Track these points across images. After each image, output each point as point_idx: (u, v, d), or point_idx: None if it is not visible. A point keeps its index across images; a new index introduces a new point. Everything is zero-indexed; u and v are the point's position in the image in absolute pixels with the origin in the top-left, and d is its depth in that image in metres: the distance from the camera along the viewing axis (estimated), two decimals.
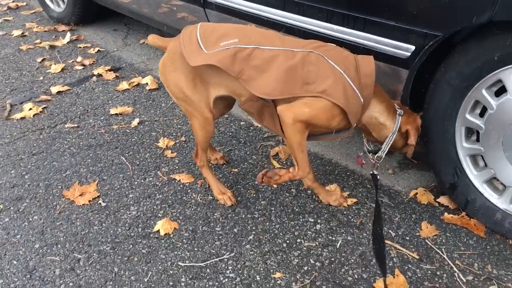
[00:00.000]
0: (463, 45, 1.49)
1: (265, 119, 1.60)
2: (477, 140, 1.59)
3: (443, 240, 1.65)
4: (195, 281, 1.53)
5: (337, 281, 1.51)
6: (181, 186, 1.98)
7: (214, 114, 1.66)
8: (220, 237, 1.70)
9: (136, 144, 2.28)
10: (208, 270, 1.57)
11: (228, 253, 1.64)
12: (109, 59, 3.29)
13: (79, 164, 2.15)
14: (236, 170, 2.07)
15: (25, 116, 2.57)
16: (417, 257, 1.59)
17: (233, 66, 1.45)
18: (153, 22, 3.01)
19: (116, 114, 2.56)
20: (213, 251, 1.64)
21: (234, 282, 1.52)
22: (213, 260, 1.61)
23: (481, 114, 1.54)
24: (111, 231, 1.75)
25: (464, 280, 1.50)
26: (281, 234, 1.71)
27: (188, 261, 1.61)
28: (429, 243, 1.64)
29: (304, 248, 1.64)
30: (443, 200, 1.81)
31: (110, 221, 1.80)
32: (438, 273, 1.53)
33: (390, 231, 1.70)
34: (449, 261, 1.57)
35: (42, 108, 2.63)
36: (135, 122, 2.46)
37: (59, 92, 2.82)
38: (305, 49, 1.46)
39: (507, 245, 1.62)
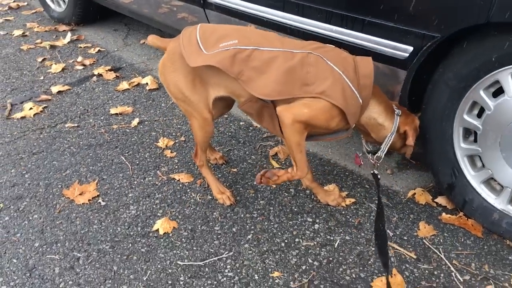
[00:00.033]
0: (461, 46, 1.50)
1: (264, 119, 1.61)
2: (475, 140, 1.60)
3: (441, 240, 1.66)
4: (193, 280, 1.54)
5: (335, 280, 1.52)
6: (181, 185, 1.99)
7: (213, 115, 1.67)
8: (219, 236, 1.71)
9: (136, 144, 2.29)
10: (206, 269, 1.58)
11: (226, 252, 1.64)
12: (110, 59, 3.30)
13: (79, 164, 2.16)
14: (235, 170, 2.08)
15: (25, 115, 2.58)
16: (415, 256, 1.60)
17: (232, 67, 1.45)
18: (153, 22, 3.02)
19: (116, 114, 2.56)
20: (212, 250, 1.65)
21: (232, 281, 1.53)
22: (211, 259, 1.62)
23: (479, 115, 1.55)
24: (111, 230, 1.76)
25: (461, 280, 1.51)
26: (279, 233, 1.72)
27: (187, 260, 1.62)
28: (427, 243, 1.65)
29: (302, 247, 1.65)
30: (441, 200, 1.82)
31: (109, 220, 1.81)
32: (435, 272, 1.54)
33: (388, 230, 1.71)
34: (447, 261, 1.58)
35: (43, 108, 2.64)
36: (135, 122, 2.47)
37: (59, 92, 2.83)
38: (304, 50, 1.47)
39: (504, 245, 1.63)
